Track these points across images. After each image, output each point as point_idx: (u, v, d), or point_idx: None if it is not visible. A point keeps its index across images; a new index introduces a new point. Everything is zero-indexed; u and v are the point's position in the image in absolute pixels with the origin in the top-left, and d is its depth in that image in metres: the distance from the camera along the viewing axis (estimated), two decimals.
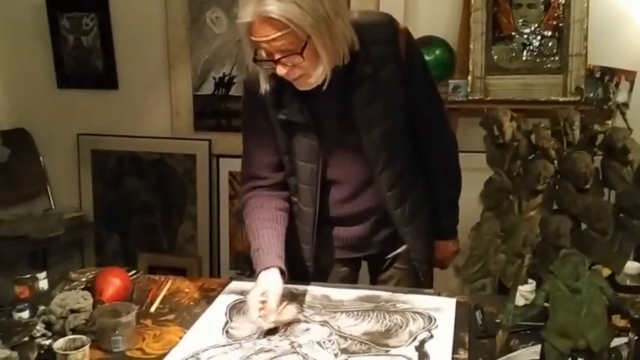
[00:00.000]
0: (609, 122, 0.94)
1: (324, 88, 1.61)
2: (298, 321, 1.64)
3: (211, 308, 1.73)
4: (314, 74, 1.58)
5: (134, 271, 1.95)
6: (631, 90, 2.76)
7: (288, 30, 1.48)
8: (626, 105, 2.76)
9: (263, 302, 1.59)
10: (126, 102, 3.40)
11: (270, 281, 1.64)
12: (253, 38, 1.52)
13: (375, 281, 2.01)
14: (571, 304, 0.92)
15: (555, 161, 0.94)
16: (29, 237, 3.15)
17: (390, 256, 1.94)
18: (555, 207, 0.95)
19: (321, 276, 1.91)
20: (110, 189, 3.49)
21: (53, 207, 3.53)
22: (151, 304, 1.77)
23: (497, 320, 1.45)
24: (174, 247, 3.45)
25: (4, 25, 3.45)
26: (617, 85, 2.78)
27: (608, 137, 0.93)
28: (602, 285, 0.92)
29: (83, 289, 1.77)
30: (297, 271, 1.82)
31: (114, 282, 1.75)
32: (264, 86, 1.64)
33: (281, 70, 1.56)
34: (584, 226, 0.94)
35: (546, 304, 0.93)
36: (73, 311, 1.62)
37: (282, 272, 1.67)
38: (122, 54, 3.34)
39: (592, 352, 0.91)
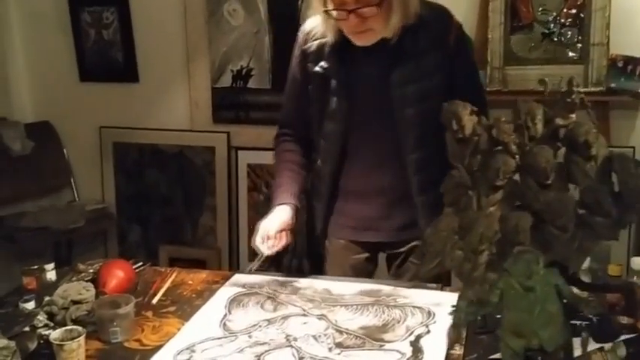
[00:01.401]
0: (572, 116, 0.91)
1: (392, 42, 1.67)
2: (297, 314, 1.65)
3: (212, 301, 1.74)
4: (382, 29, 1.65)
5: (140, 263, 1.97)
6: None
7: None
8: None
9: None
10: (146, 95, 3.43)
11: (279, 214, 1.82)
12: None
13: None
14: (524, 302, 0.89)
15: (517, 156, 0.91)
16: (51, 228, 3.20)
17: (404, 249, 1.92)
18: (518, 203, 0.93)
19: (333, 258, 1.94)
20: (132, 181, 3.53)
21: (77, 199, 3.59)
22: (154, 295, 1.79)
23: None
24: (195, 239, 3.48)
25: (28, 21, 3.51)
26: None
27: (570, 131, 0.90)
28: (558, 283, 0.89)
29: (89, 281, 1.80)
30: (310, 235, 1.96)
31: (117, 274, 1.77)
32: (330, 38, 1.74)
33: (352, 21, 1.63)
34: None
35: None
36: (75, 302, 1.64)
37: (296, 209, 1.85)
38: (142, 47, 3.37)
39: (547, 352, 0.88)
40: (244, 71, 3.25)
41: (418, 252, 1.90)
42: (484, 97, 1.92)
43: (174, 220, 3.49)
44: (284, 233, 1.79)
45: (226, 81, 3.29)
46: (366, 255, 1.97)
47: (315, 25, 1.77)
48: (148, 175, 3.50)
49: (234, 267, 3.39)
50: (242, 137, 3.30)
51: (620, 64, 2.71)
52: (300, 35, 1.85)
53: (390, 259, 2.00)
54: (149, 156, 3.48)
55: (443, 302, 1.67)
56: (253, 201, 3.34)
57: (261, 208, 3.32)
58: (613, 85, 2.71)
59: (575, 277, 0.92)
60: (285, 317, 1.63)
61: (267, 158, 3.26)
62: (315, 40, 1.78)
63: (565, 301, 0.89)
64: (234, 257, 3.42)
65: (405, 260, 1.94)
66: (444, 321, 1.57)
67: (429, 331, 1.54)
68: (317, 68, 1.78)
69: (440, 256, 0.94)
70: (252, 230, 3.33)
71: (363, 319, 1.60)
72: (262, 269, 1.87)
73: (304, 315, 1.64)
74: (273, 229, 1.78)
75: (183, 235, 3.49)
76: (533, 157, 0.89)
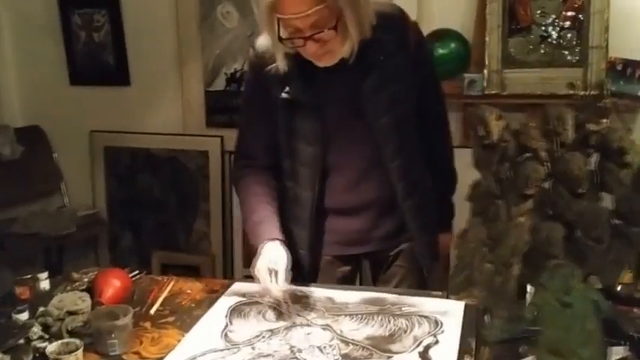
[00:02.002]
0: (605, 121, 0.87)
1: (351, 61, 1.60)
2: (301, 324, 1.60)
3: (212, 311, 1.69)
4: (341, 50, 1.57)
5: (136, 272, 1.91)
6: None
7: (324, 5, 1.46)
8: None
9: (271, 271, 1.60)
10: (138, 98, 3.38)
11: (277, 251, 1.64)
12: (284, 15, 1.50)
13: (376, 281, 1.97)
14: (562, 319, 0.84)
15: (547, 163, 0.87)
16: (42, 234, 3.14)
17: (391, 254, 1.89)
18: (549, 212, 0.88)
19: (320, 274, 1.88)
20: (123, 186, 3.48)
21: (67, 204, 3.52)
22: (152, 305, 1.74)
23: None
24: (188, 245, 3.42)
25: (17, 23, 3.46)
26: (639, 78, 2.67)
27: (603, 137, 0.86)
28: (596, 298, 0.84)
29: (85, 290, 1.75)
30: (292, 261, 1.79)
31: (113, 283, 1.72)
32: (282, 65, 1.62)
33: (311, 47, 1.54)
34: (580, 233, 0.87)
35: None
36: (70, 313, 1.59)
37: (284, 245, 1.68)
38: (133, 50, 3.32)
39: None
40: (238, 74, 3.20)
41: (404, 256, 1.88)
42: (445, 103, 1.92)
43: (167, 225, 3.44)
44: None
45: (220, 84, 3.24)
46: (351, 267, 1.93)
47: (268, 46, 1.64)
48: (140, 179, 3.44)
49: (229, 273, 3.35)
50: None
51: (619, 68, 2.70)
52: (254, 58, 1.71)
53: (373, 263, 1.97)
54: (141, 160, 3.42)
55: (449, 311, 1.62)
56: None
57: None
58: (612, 88, 2.69)
59: (612, 291, 0.88)
60: (289, 328, 1.58)
61: None
62: (274, 62, 1.64)
63: (603, 317, 0.85)
64: (228, 263, 3.37)
65: (390, 265, 1.91)
66: (452, 331, 1.53)
67: (437, 342, 1.49)
68: (284, 94, 1.66)
69: (468, 269, 0.89)
70: (246, 236, 3.31)
71: (368, 329, 1.56)
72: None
73: (308, 325, 1.59)
74: (281, 267, 1.59)
75: (176, 241, 3.43)
76: (566, 164, 0.85)
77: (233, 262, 3.37)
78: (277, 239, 1.68)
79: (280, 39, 1.55)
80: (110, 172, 3.49)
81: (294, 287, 1.64)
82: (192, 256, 3.40)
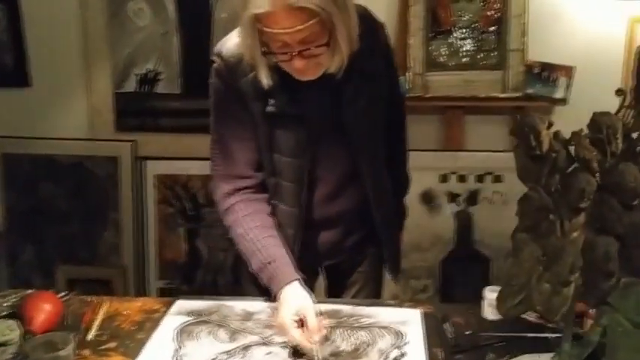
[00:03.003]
0: None
1: (338, 76, 1.50)
2: (257, 343, 1.51)
3: (157, 333, 1.55)
4: (329, 65, 1.47)
5: (64, 293, 1.74)
6: (569, 86, 2.74)
7: (316, 19, 1.35)
8: (563, 101, 2.75)
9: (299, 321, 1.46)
10: (39, 101, 3.10)
11: (301, 297, 1.51)
12: (272, 30, 1.37)
13: (334, 287, 1.91)
14: (635, 341, 0.80)
15: (597, 174, 0.83)
16: None
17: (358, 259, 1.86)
18: (597, 226, 0.84)
19: None
20: (23, 196, 3.19)
21: None
22: (87, 330, 1.58)
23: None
24: (96, 258, 3.19)
25: None
26: (554, 81, 2.76)
27: None
28: None
29: (7, 316, 1.57)
30: None
31: (44, 308, 1.55)
32: (266, 80, 1.49)
33: (298, 63, 1.42)
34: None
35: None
36: None
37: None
38: (34, 48, 3.04)
39: None
40: (150, 75, 3.03)
41: (367, 261, 1.86)
42: (404, 103, 1.92)
43: (72, 237, 3.18)
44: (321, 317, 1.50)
45: (131, 86, 3.04)
46: (314, 278, 1.87)
47: (238, 53, 1.52)
48: (43, 189, 3.17)
49: (142, 287, 3.16)
50: (149, 146, 3.07)
51: (536, 71, 2.77)
52: (223, 68, 1.56)
53: (333, 271, 1.91)
54: (43, 168, 3.15)
55: (407, 320, 1.60)
56: (162, 214, 3.12)
57: (170, 222, 3.12)
58: (530, 91, 2.77)
59: None
60: (246, 348, 1.49)
61: (177, 168, 3.07)
62: (251, 72, 1.51)
63: None
64: (141, 276, 3.18)
65: (353, 271, 1.87)
66: (415, 341, 1.50)
67: (403, 354, 1.45)
68: (270, 108, 1.54)
69: (525, 291, 0.83)
70: (162, 246, 3.15)
71: (330, 345, 1.49)
72: None
73: (265, 344, 1.50)
74: (310, 315, 1.45)
75: (83, 254, 3.19)
76: (620, 175, 0.81)
77: (146, 275, 3.18)
78: (294, 280, 1.54)
79: (264, 53, 1.43)
80: (8, 182, 3.18)
81: (324, 333, 1.48)
82: (102, 270, 3.17)
